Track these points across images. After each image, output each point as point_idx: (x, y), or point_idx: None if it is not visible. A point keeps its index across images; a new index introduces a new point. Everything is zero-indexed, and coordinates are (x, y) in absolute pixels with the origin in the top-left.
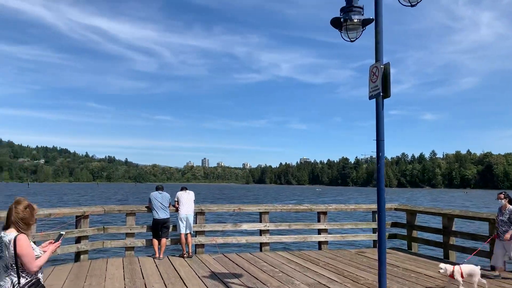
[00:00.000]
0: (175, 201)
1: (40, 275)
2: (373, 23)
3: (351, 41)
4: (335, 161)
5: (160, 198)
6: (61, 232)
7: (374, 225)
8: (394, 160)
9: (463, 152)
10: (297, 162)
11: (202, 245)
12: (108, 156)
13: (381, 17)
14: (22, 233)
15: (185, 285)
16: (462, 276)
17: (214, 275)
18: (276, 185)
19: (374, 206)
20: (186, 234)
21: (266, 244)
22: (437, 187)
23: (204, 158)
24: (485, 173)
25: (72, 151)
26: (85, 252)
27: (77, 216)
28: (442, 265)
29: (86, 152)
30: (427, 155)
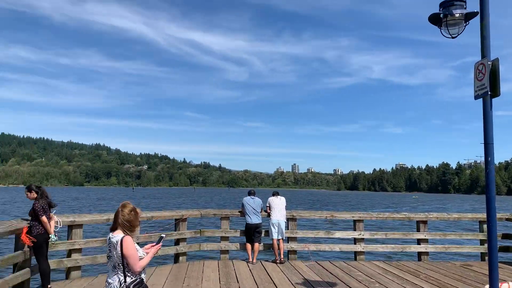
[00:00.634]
0: (267, 206)
1: (143, 275)
2: (477, 17)
3: (452, 38)
4: (434, 167)
5: (252, 203)
6: (162, 235)
7: (482, 236)
8: (503, 165)
9: None
10: (392, 168)
11: (295, 252)
12: (204, 162)
13: (488, 9)
14: (128, 234)
15: None
16: None
17: (307, 283)
18: (370, 192)
19: (481, 216)
20: (278, 240)
21: (361, 253)
22: None
23: (294, 164)
24: None
25: (171, 157)
26: (184, 254)
27: (176, 219)
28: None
29: (184, 158)
30: None
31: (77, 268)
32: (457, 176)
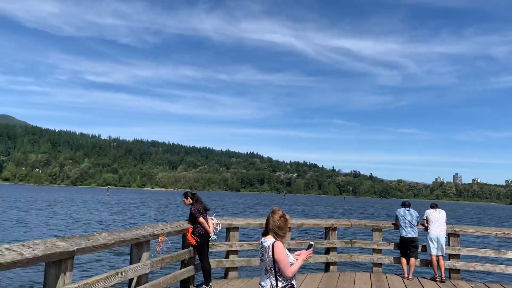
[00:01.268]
0: (424, 219)
1: (294, 281)
2: None
3: None
4: None
5: (407, 215)
6: (311, 243)
7: None
8: None
9: None
10: None
11: (457, 271)
12: (353, 171)
13: None
14: (279, 240)
15: None
16: None
17: None
18: None
19: None
20: (438, 256)
21: None
22: None
23: (456, 174)
24: None
25: (320, 165)
26: (334, 263)
27: (325, 228)
28: None
29: (333, 167)
30: None
31: (234, 269)
32: None
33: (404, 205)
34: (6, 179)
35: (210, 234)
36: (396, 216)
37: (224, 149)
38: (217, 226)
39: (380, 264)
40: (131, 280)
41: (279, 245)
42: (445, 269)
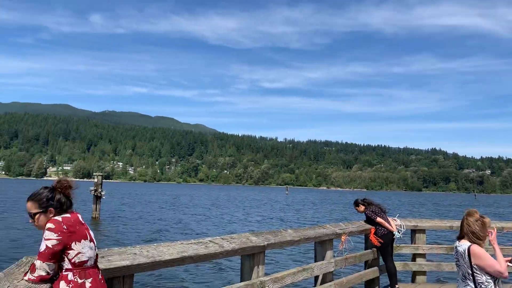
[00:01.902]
0: None
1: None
2: None
3: None
4: None
5: None
6: None
7: None
8: None
9: None
10: None
11: None
12: None
13: None
14: (475, 243)
15: None
16: None
17: None
18: None
19: None
20: None
21: None
22: None
23: None
24: None
25: None
26: None
27: None
28: None
29: None
30: None
31: (422, 273)
32: None
33: None
34: (201, 180)
35: (394, 232)
36: None
37: (401, 146)
38: (400, 227)
39: None
40: (316, 277)
41: (476, 249)
42: None
